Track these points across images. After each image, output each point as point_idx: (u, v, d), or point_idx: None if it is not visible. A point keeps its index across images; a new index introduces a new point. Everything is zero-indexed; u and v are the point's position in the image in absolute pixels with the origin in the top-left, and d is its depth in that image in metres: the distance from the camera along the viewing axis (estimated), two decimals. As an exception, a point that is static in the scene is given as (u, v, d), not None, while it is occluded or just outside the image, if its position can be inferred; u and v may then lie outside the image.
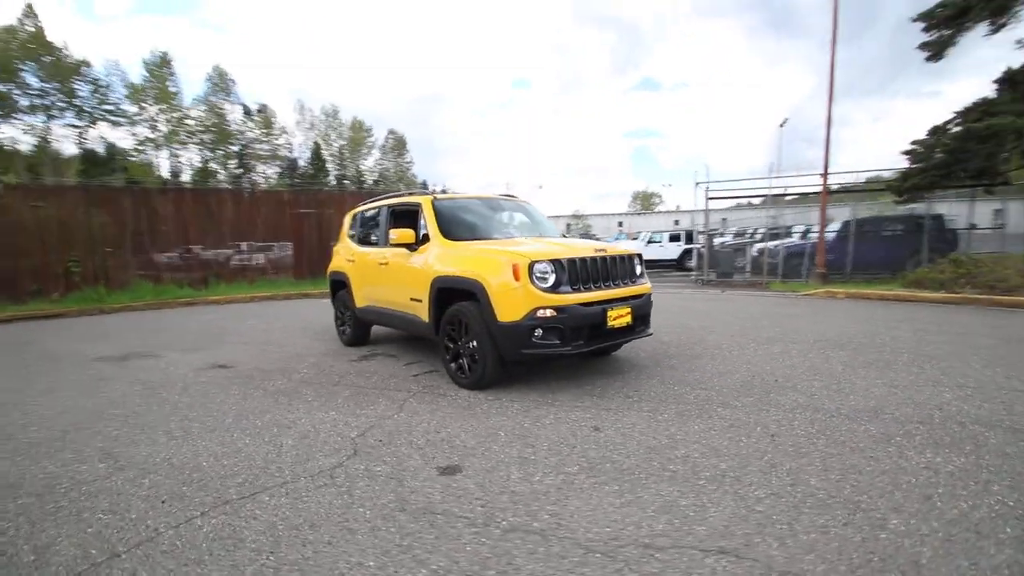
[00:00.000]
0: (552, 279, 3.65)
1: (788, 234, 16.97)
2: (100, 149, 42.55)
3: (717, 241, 16.92)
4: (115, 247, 11.57)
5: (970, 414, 3.09)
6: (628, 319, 3.92)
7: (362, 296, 5.50)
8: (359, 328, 5.77)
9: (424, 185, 64.25)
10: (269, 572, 1.82)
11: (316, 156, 59.34)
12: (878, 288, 9.44)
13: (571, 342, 3.62)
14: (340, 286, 6.05)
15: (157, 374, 4.90)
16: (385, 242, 5.14)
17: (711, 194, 14.20)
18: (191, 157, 51.44)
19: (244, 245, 14.13)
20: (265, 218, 14.05)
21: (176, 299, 11.16)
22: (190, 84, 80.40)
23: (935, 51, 10.33)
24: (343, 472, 2.61)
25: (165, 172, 49.07)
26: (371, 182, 62.42)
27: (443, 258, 4.19)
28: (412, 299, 4.54)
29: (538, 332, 3.58)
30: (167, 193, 13.49)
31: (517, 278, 3.58)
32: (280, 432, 3.21)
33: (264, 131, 54.00)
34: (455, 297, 4.08)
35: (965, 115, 10.27)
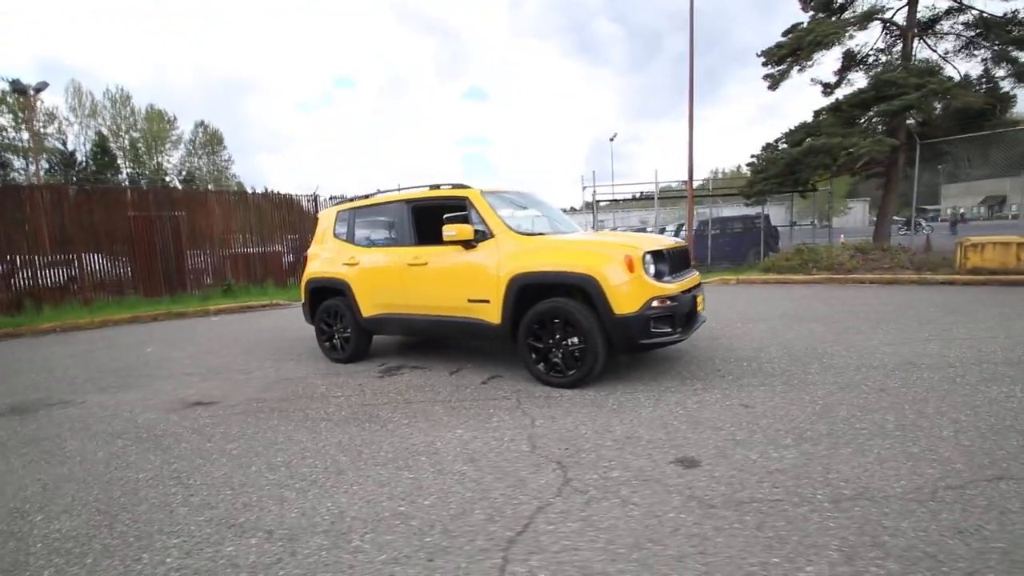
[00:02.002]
0: (653, 269, 3.73)
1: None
2: None
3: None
4: None
5: (968, 357, 4.05)
6: (703, 305, 4.20)
7: (374, 304, 4.82)
8: (362, 341, 5.04)
9: (240, 185, 56.85)
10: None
11: (102, 149, 48.50)
12: (751, 274, 11.42)
13: (677, 330, 3.75)
14: (329, 294, 5.20)
15: (117, 423, 3.67)
16: (413, 241, 4.62)
17: (598, 196, 15.52)
18: (-100, 144, 37.76)
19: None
20: (98, 223, 11.13)
21: (-17, 331, 8.20)
22: None
23: (773, 82, 12.95)
24: (586, 485, 2.35)
25: None
26: (180, 181, 53.30)
27: (524, 254, 3.94)
28: (471, 300, 4.17)
29: (651, 322, 3.63)
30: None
31: (632, 270, 3.58)
32: (433, 459, 2.72)
33: (20, 115, 42.14)
34: (543, 294, 3.89)
35: (790, 135, 13.02)
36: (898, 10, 11.96)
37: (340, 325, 5.13)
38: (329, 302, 5.18)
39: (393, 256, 4.67)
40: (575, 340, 3.74)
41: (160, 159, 52.13)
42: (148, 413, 3.90)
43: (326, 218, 5.41)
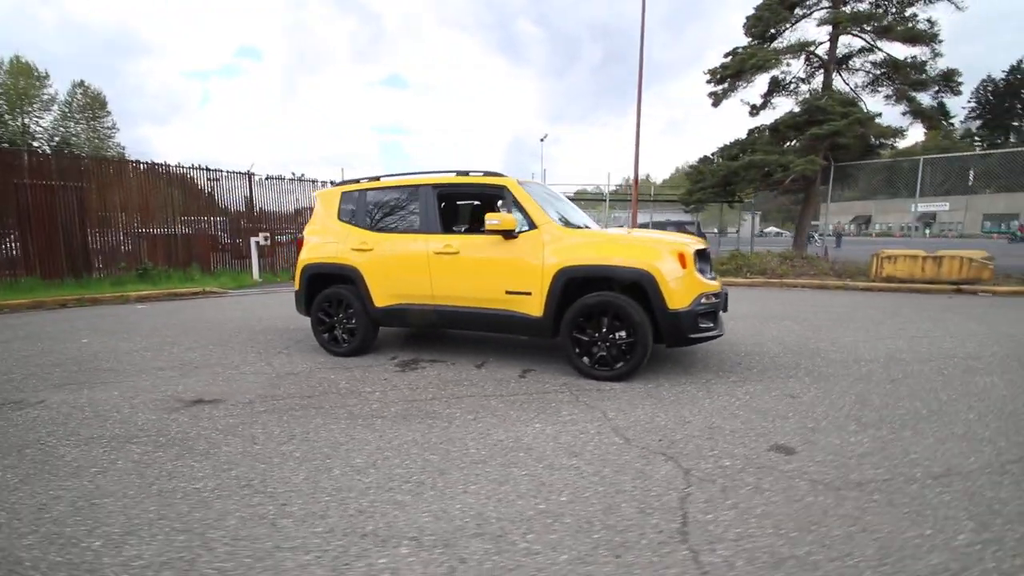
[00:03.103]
0: (697, 266, 3.89)
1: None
2: None
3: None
4: None
5: (937, 352, 4.67)
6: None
7: (391, 293, 4.52)
8: (370, 333, 4.71)
9: (122, 156, 50.31)
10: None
11: (-54, 104, 40.56)
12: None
13: (717, 325, 3.94)
14: (331, 282, 4.79)
15: (111, 426, 3.13)
16: (439, 227, 4.40)
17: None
18: None
19: None
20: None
21: None
22: None
23: (717, 99, 13.96)
24: (709, 475, 2.40)
25: None
26: (51, 147, 46.04)
27: (572, 247, 3.90)
28: (510, 292, 4.06)
29: (698, 318, 3.78)
30: None
31: (684, 266, 3.70)
32: (533, 455, 2.64)
33: None
34: (585, 288, 3.89)
35: (725, 150, 14.12)
36: (820, 44, 13.46)
37: (343, 315, 4.75)
38: (330, 290, 4.78)
39: (417, 243, 4.41)
40: (622, 334, 3.79)
41: (26, 120, 44.65)
42: (144, 413, 3.35)
43: (327, 199, 4.97)
